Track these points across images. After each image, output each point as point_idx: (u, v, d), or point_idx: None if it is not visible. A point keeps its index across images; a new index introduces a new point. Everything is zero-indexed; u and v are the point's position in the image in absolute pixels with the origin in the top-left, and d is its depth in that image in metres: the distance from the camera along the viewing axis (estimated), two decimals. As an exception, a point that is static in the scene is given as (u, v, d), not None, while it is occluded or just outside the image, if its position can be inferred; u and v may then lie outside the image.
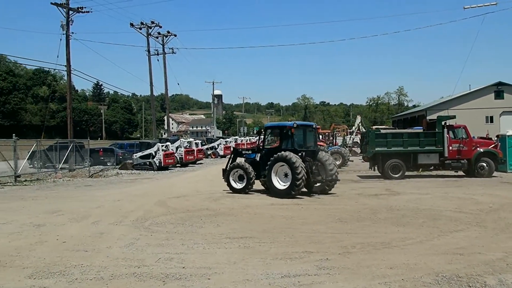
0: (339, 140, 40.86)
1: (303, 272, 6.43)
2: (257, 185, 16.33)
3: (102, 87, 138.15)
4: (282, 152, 14.75)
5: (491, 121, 53.47)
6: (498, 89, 54.24)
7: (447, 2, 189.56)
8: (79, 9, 31.03)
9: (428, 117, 37.58)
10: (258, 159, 16.26)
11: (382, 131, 23.32)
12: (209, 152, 42.47)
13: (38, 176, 23.60)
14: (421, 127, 24.53)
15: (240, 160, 16.80)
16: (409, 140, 21.03)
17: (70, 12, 30.66)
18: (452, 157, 20.79)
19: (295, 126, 15.38)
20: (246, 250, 7.81)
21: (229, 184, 16.09)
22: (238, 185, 15.94)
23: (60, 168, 25.59)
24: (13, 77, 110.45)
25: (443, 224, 9.94)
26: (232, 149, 20.21)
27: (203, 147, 39.07)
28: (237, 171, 16.01)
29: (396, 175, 20.67)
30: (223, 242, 8.36)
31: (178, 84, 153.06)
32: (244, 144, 44.60)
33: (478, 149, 20.94)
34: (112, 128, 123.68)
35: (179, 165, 31.64)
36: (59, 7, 30.16)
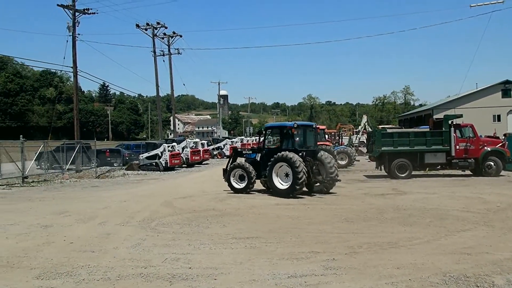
0: (345, 140, 40.72)
1: (310, 272, 6.42)
2: (258, 185, 16.35)
3: (109, 88, 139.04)
4: (283, 152, 14.80)
5: (499, 119, 53.14)
6: (506, 88, 53.89)
7: (453, 1, 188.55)
8: (85, 11, 31.17)
9: (434, 116, 37.46)
10: (258, 159, 16.31)
11: (389, 130, 23.21)
12: (215, 153, 42.50)
13: (45, 177, 23.73)
14: (428, 126, 24.41)
15: (240, 160, 16.84)
16: (416, 139, 20.93)
17: (76, 13, 30.82)
18: (459, 156, 20.67)
19: (295, 126, 15.46)
20: (252, 250, 7.81)
21: (230, 184, 16.14)
22: (239, 185, 16.01)
23: (67, 169, 25.71)
24: (20, 78, 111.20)
25: (450, 223, 9.89)
26: (232, 149, 20.36)
27: (209, 147, 39.09)
28: (237, 171, 16.08)
29: (403, 175, 20.58)
30: (229, 243, 8.36)
31: (184, 84, 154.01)
32: (250, 144, 44.59)
33: (485, 148, 20.80)
34: (118, 129, 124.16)
35: (185, 165, 31.69)
36: (65, 9, 30.33)
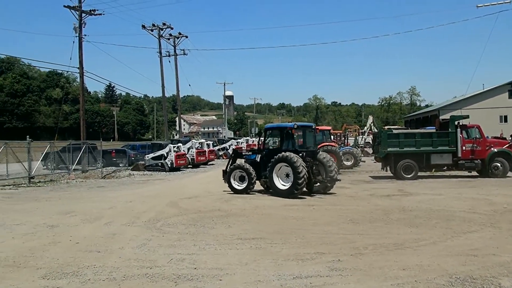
0: (351, 141, 40.63)
1: (315, 273, 6.41)
2: (257, 185, 16.41)
3: (114, 88, 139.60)
4: (284, 153, 14.87)
5: (505, 120, 52.82)
6: (512, 88, 53.54)
7: (459, 1, 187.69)
8: (92, 12, 31.30)
9: (441, 117, 37.25)
10: (258, 160, 16.39)
11: (395, 131, 23.14)
12: (220, 153, 42.50)
13: (51, 177, 23.84)
14: (434, 127, 24.31)
15: (240, 161, 16.91)
16: (422, 140, 20.84)
17: (83, 14, 30.96)
18: (466, 157, 20.56)
19: (295, 127, 15.60)
20: (257, 251, 7.80)
21: (230, 185, 16.20)
22: (239, 186, 16.07)
23: (73, 169, 25.82)
24: (27, 79, 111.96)
25: (457, 225, 9.83)
26: (232, 150, 20.51)
27: (214, 148, 39.13)
28: (238, 172, 16.15)
29: (409, 176, 20.50)
30: (235, 243, 8.36)
31: (190, 85, 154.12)
32: (255, 144, 44.61)
33: (492, 149, 20.67)
34: (124, 129, 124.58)
35: (191, 166, 31.73)
36: (71, 10, 30.47)
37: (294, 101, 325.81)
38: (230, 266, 6.84)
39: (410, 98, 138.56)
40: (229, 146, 43.72)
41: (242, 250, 7.84)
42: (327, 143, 25.02)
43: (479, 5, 32.47)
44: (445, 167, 21.41)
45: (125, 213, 12.08)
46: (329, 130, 27.92)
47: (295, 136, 15.82)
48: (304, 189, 14.98)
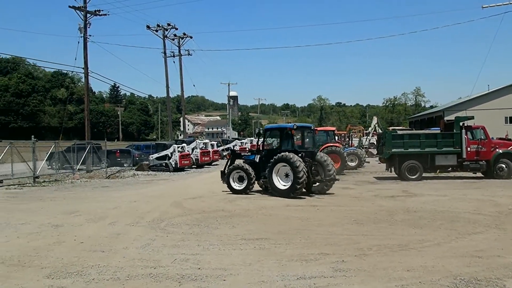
0: (355, 141, 40.54)
1: (319, 274, 6.40)
2: (255, 185, 16.53)
3: (119, 89, 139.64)
4: (284, 153, 15.00)
5: (511, 121, 52.56)
6: (518, 89, 53.26)
7: (465, 2, 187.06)
8: (97, 12, 31.45)
9: (445, 118, 37.09)
10: (257, 160, 16.49)
11: (399, 132, 23.08)
12: (224, 153, 42.47)
13: (56, 177, 23.93)
14: (439, 128, 24.22)
15: (239, 161, 16.99)
16: (427, 141, 20.78)
17: (88, 15, 31.10)
18: (471, 158, 20.48)
19: (295, 127, 15.72)
20: (261, 251, 7.80)
21: (229, 186, 16.29)
22: (238, 186, 16.18)
23: (78, 169, 25.92)
24: (32, 79, 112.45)
25: (461, 226, 9.80)
26: (230, 151, 20.69)
27: (218, 148, 39.17)
28: (237, 173, 16.25)
29: (413, 177, 20.45)
30: (239, 243, 8.36)
31: (194, 85, 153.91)
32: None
33: (497, 150, 20.57)
34: (128, 129, 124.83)
35: (195, 166, 31.78)
36: (77, 10, 30.64)
37: (298, 101, 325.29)
38: (234, 267, 6.84)
39: (414, 99, 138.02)
40: (233, 146, 43.73)
41: (246, 251, 7.85)
42: (332, 144, 24.99)
43: (484, 6, 32.43)
44: (450, 168, 21.33)
45: (129, 213, 12.11)
46: (334, 130, 27.85)
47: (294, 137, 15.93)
48: (303, 189, 15.06)
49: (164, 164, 28.72)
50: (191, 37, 45.89)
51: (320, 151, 23.99)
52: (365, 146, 39.75)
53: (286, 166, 14.82)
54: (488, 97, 54.43)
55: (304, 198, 14.80)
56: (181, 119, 61.44)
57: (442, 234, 8.99)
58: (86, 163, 26.64)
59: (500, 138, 24.22)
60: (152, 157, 29.73)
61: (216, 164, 35.00)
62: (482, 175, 21.24)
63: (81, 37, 30.99)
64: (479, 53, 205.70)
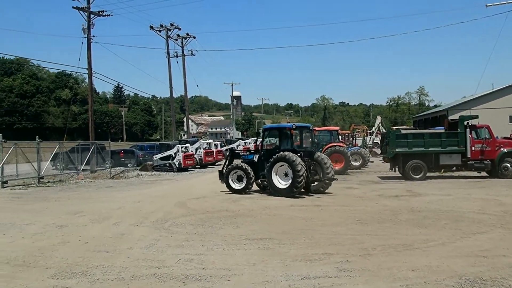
0: (359, 141, 40.49)
1: (323, 274, 6.39)
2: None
3: (123, 89, 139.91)
4: (283, 152, 15.11)
5: (515, 120, 52.25)
6: (523, 88, 52.95)
7: (469, 0, 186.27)
8: (100, 13, 31.47)
9: (450, 117, 37.01)
10: (256, 160, 16.59)
11: (403, 131, 23.04)
12: (228, 153, 42.47)
13: (60, 178, 24.00)
14: (443, 127, 24.14)
15: (237, 161, 17.07)
16: (431, 140, 20.72)
17: (91, 15, 31.14)
18: (475, 158, 20.40)
19: (294, 127, 15.85)
20: (265, 251, 7.80)
21: (228, 185, 16.38)
22: (237, 186, 16.27)
23: (82, 169, 26.00)
24: (36, 80, 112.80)
25: (466, 226, 9.76)
26: (229, 151, 20.83)
27: (222, 148, 39.19)
28: (236, 172, 16.34)
29: (417, 176, 20.39)
30: (243, 244, 8.36)
31: (198, 85, 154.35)
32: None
33: (501, 149, 20.47)
34: (132, 129, 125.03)
35: (199, 166, 31.82)
36: (80, 11, 30.68)
37: (301, 101, 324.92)
38: (238, 267, 6.84)
39: (418, 98, 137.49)
40: (237, 146, 43.75)
41: (250, 251, 7.85)
42: (335, 144, 24.95)
43: (488, 5, 32.27)
44: (454, 168, 21.26)
45: (133, 213, 12.13)
46: (337, 130, 27.81)
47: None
48: (302, 188, 15.17)
49: (168, 164, 28.77)
50: (194, 37, 45.94)
51: (324, 151, 24.13)
52: (369, 145, 39.68)
53: (285, 165, 14.94)
54: (493, 96, 54.14)
55: (305, 197, 14.81)
56: (185, 119, 61.47)
57: (447, 233, 8.96)
58: (90, 164, 26.71)
59: (505, 137, 24.15)
60: (156, 157, 29.78)
61: (220, 164, 34.94)
62: (487, 175, 21.15)
63: (85, 37, 31.05)
64: (483, 52, 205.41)
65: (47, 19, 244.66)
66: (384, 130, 37.19)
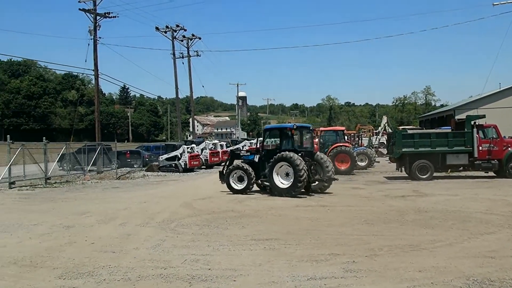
0: (365, 141, 40.36)
1: (330, 275, 6.37)
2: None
3: (129, 90, 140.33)
4: (284, 152, 15.20)
5: (523, 120, 51.87)
6: (530, 87, 52.56)
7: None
8: (106, 15, 31.62)
9: (456, 117, 36.82)
10: (257, 160, 16.67)
11: (409, 131, 22.95)
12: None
13: (67, 178, 24.11)
14: (450, 127, 24.02)
15: (238, 162, 17.14)
16: (437, 140, 20.62)
17: (98, 17, 31.29)
18: (482, 158, 20.27)
19: (295, 127, 15.96)
20: (271, 252, 7.79)
21: (228, 186, 16.46)
22: (238, 186, 16.35)
23: (89, 170, 26.10)
24: (43, 82, 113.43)
25: (473, 226, 9.70)
26: (229, 151, 20.95)
27: (228, 148, 39.20)
28: (236, 172, 16.42)
29: (424, 176, 20.29)
30: (249, 244, 8.35)
31: (203, 86, 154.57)
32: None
33: (509, 149, 20.32)
34: (138, 130, 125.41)
35: (204, 167, 31.85)
36: (87, 13, 30.83)
37: (307, 101, 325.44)
38: (244, 267, 6.83)
39: (425, 98, 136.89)
40: (243, 147, 43.71)
41: (256, 251, 7.84)
42: (341, 144, 24.89)
43: (495, 3, 32.13)
44: (461, 168, 21.14)
45: (139, 214, 12.16)
46: (343, 130, 27.74)
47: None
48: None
49: (173, 165, 28.82)
50: (199, 38, 45.97)
51: (330, 151, 24.11)
52: (375, 145, 39.54)
53: (287, 165, 15.05)
54: (500, 95, 53.72)
55: (311, 198, 14.79)
56: (190, 120, 61.56)
57: (454, 234, 8.90)
58: (96, 164, 26.82)
59: (512, 137, 23.95)
60: (161, 158, 29.84)
61: (226, 165, 34.98)
62: (494, 175, 21.01)
63: (91, 39, 31.20)
64: (490, 51, 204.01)
65: (54, 21, 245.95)
66: (390, 130, 37.07)
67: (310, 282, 6.08)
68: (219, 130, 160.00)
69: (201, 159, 31.03)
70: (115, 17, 32.08)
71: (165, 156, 29.72)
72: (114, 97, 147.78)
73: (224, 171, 16.98)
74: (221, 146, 35.63)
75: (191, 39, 45.52)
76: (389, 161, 26.01)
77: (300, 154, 15.21)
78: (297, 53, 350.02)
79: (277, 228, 9.84)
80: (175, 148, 30.75)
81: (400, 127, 47.42)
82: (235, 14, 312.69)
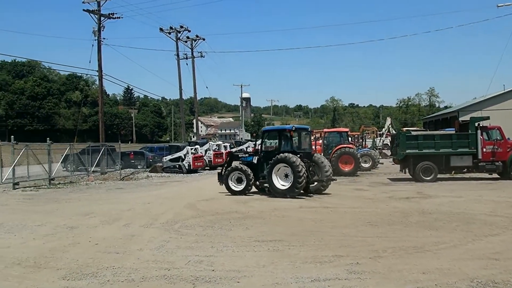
0: (369, 142, 40.30)
1: (333, 276, 6.36)
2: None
3: (133, 91, 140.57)
4: (284, 154, 15.28)
5: (527, 122, 51.64)
6: (534, 89, 52.36)
7: (479, 0, 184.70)
8: (110, 15, 31.69)
9: (460, 118, 36.64)
10: (255, 161, 16.75)
11: (413, 133, 22.89)
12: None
13: (71, 179, 24.18)
14: (454, 129, 23.95)
15: (236, 163, 17.19)
16: (441, 142, 20.56)
17: (102, 18, 31.37)
18: (486, 159, 20.21)
19: (294, 129, 16.14)
20: (275, 253, 7.78)
21: (227, 187, 16.55)
22: (237, 187, 16.46)
23: (92, 171, 26.16)
24: (47, 82, 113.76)
25: (478, 228, 9.66)
26: (228, 153, 21.06)
27: (231, 150, 39.22)
28: (235, 174, 16.54)
29: (428, 178, 20.24)
30: (252, 245, 8.35)
31: (207, 87, 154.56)
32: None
33: (513, 150, 20.26)
34: (142, 131, 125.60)
35: (208, 168, 31.87)
36: (91, 14, 30.91)
37: (311, 102, 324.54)
38: (247, 268, 6.83)
39: (428, 100, 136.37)
40: (246, 148, 43.69)
41: (260, 252, 7.83)
42: (345, 145, 24.85)
43: (499, 5, 32.07)
44: (465, 169, 21.06)
45: (143, 215, 12.17)
46: (347, 132, 27.68)
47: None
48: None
49: (177, 166, 28.86)
50: (203, 39, 46.04)
51: (334, 152, 24.09)
52: (378, 147, 39.48)
53: (286, 166, 15.16)
54: (504, 97, 53.46)
55: (314, 199, 14.79)
56: (194, 121, 61.70)
57: (458, 236, 8.87)
58: (100, 165, 26.88)
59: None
60: (165, 159, 29.89)
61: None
62: (498, 176, 20.94)
63: (95, 40, 31.28)
64: (494, 52, 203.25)
65: (58, 21, 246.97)
66: (394, 132, 36.99)
67: (314, 283, 6.07)
68: (223, 131, 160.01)
69: (204, 160, 31.06)
70: (119, 18, 32.15)
71: (169, 157, 29.77)
72: (118, 98, 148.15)
73: (223, 173, 17.04)
74: (225, 147, 35.63)
75: (195, 40, 45.63)
76: (393, 163, 25.97)
77: (299, 155, 15.33)
78: (300, 54, 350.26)
79: (281, 230, 9.83)
80: (179, 149, 30.81)
81: (404, 129, 47.28)
82: (239, 15, 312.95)
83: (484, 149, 20.21)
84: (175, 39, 43.53)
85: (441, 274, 6.36)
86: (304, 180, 14.93)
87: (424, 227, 9.87)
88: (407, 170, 21.44)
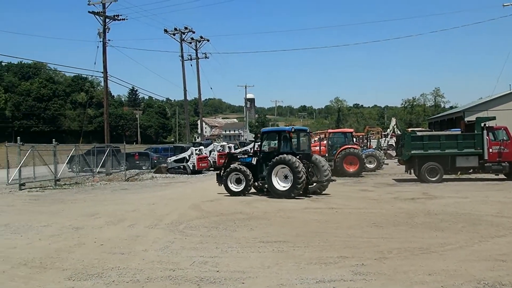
0: (374, 143, 40.20)
1: (338, 278, 6.33)
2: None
3: (137, 92, 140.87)
4: (283, 155, 15.35)
5: (534, 122, 51.33)
6: (541, 89, 52.09)
7: (484, 0, 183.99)
8: (115, 17, 31.84)
9: (466, 119, 36.44)
10: (254, 162, 16.85)
11: (418, 133, 22.80)
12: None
13: (76, 180, 24.26)
14: (459, 129, 23.85)
15: (235, 164, 17.23)
16: (447, 142, 20.47)
17: (107, 20, 31.50)
18: (493, 160, 20.10)
19: (293, 130, 16.22)
20: (280, 254, 7.76)
21: (226, 188, 16.60)
22: (236, 188, 16.50)
23: (98, 172, 26.27)
24: (53, 84, 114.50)
25: (484, 229, 9.60)
26: (227, 154, 21.15)
27: (236, 150, 39.23)
28: (234, 175, 16.58)
29: (433, 179, 20.15)
30: (257, 246, 8.34)
31: (211, 88, 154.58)
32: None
33: (520, 151, 20.15)
34: (147, 132, 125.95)
35: (213, 168, 31.86)
36: (96, 16, 31.08)
37: (315, 103, 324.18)
38: (252, 269, 6.82)
39: (434, 100, 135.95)
40: (251, 149, 43.65)
41: (265, 253, 7.82)
42: (350, 146, 24.79)
43: (505, 4, 31.93)
44: (471, 170, 20.97)
45: (148, 216, 12.19)
46: (352, 132, 27.61)
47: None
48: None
49: (182, 166, 28.89)
50: (208, 40, 46.07)
51: (338, 153, 24.05)
52: (383, 147, 39.38)
53: (285, 167, 15.22)
54: (510, 97, 53.14)
55: (319, 200, 14.75)
56: (199, 121, 61.79)
57: (464, 237, 8.82)
58: (105, 166, 26.98)
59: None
60: (170, 159, 29.94)
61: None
62: (505, 177, 20.83)
63: (100, 41, 31.45)
64: (500, 52, 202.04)
65: (63, 23, 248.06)
66: (399, 132, 36.90)
67: (318, 285, 6.05)
68: (227, 132, 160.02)
69: (209, 161, 31.08)
70: (124, 19, 32.31)
71: (174, 158, 29.81)
72: (123, 99, 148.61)
73: (222, 173, 17.08)
74: (229, 148, 35.61)
75: (199, 41, 45.69)
76: (398, 163, 25.91)
77: (298, 156, 15.39)
78: (305, 55, 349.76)
79: (286, 231, 9.82)
80: (184, 150, 30.84)
81: (409, 129, 47.17)
82: (243, 16, 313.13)
83: (490, 150, 20.11)
84: (179, 41, 43.63)
85: (447, 275, 6.32)
86: (304, 181, 15.02)
87: (430, 228, 9.83)
88: (412, 171, 21.37)
